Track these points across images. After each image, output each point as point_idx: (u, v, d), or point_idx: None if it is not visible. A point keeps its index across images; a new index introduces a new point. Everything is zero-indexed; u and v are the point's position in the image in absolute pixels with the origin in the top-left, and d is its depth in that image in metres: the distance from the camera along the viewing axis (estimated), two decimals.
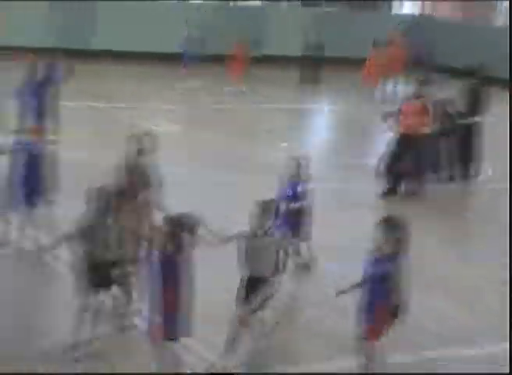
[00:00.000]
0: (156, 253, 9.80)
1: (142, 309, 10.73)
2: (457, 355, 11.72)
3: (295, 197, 13.68)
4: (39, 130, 15.98)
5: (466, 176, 20.58)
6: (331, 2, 40.21)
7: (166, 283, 9.61)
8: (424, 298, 13.10)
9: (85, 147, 19.74)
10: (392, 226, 10.11)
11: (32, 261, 13.12)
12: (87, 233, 10.60)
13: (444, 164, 20.15)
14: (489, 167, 21.32)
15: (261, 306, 10.84)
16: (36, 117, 17.41)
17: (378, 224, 10.08)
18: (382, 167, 19.13)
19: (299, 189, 13.74)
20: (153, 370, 10.05)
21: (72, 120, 21.20)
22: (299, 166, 13.73)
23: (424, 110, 18.70)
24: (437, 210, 18.87)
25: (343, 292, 10.08)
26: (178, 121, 25.26)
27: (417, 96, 18.86)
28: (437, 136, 19.80)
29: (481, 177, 20.87)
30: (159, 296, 9.67)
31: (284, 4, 37.86)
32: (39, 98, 17.73)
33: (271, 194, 12.74)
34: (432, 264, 15.21)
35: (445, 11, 39.50)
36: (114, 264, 10.66)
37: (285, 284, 12.57)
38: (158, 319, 9.65)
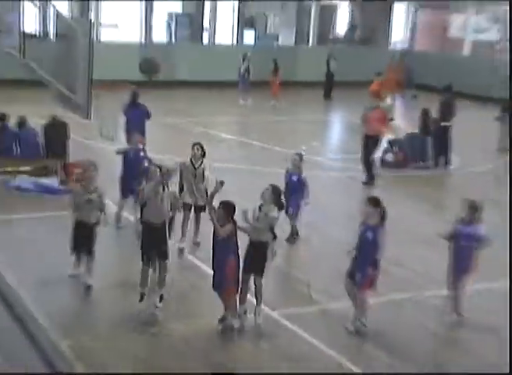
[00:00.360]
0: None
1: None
2: (441, 292, 12.35)
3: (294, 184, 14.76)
4: (141, 140, 17.42)
5: (443, 163, 22.31)
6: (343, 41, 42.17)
7: (228, 254, 10.72)
8: (412, 249, 14.97)
9: (168, 150, 20.38)
10: (375, 203, 11.37)
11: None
12: (144, 204, 11.68)
13: (429, 155, 22.03)
14: (457, 157, 22.73)
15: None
16: (137, 130, 17.78)
17: (365, 202, 11.53)
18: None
19: (295, 178, 14.84)
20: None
21: (161, 132, 23.15)
22: (298, 160, 15.00)
23: (383, 118, 20.24)
24: (425, 186, 20.52)
25: (349, 252, 11.15)
26: (234, 129, 26.71)
27: (376, 107, 20.40)
28: (424, 135, 22.02)
29: (452, 165, 22.46)
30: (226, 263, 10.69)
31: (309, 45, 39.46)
32: (140, 117, 18.90)
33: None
34: (418, 224, 16.69)
35: (425, 45, 40.96)
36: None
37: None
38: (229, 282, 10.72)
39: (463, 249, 11.64)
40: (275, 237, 11.33)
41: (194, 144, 14.30)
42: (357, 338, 10.98)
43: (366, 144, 20.13)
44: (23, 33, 11.05)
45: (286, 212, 14.09)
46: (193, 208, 14.27)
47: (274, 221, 11.24)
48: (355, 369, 10.16)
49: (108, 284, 12.38)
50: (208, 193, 12.81)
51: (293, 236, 15.00)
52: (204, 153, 14.24)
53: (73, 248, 12.15)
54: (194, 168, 14.21)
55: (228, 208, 10.68)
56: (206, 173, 14.17)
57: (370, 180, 19.98)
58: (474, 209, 11.96)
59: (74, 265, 12.34)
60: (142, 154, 15.58)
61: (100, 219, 12.15)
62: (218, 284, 10.82)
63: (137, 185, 13.20)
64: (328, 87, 34.03)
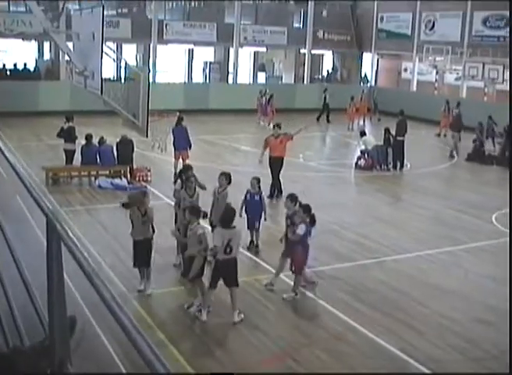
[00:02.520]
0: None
1: None
2: (401, 257, 12.88)
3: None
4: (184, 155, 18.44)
5: (399, 167, 21.93)
6: (327, 80, 41.80)
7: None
8: (377, 227, 14.94)
9: (204, 158, 20.67)
10: (294, 200, 10.78)
11: None
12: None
13: (389, 161, 21.87)
14: (409, 163, 22.37)
15: None
16: (181, 145, 18.65)
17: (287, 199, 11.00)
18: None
19: (257, 198, 12.54)
20: None
21: (199, 145, 22.33)
22: (256, 183, 12.60)
23: (282, 143, 17.10)
24: (387, 183, 20.27)
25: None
26: (252, 144, 25.84)
27: (277, 135, 17.10)
28: (386, 147, 21.85)
29: (405, 168, 22.14)
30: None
31: (304, 83, 39.71)
32: (183, 135, 18.80)
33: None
34: (382, 209, 16.68)
35: (385, 83, 40.75)
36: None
37: None
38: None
39: None
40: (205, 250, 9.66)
41: (221, 175, 12.21)
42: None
43: (272, 164, 17.19)
44: (102, 77, 11.13)
45: (248, 227, 12.65)
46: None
47: (201, 237, 9.64)
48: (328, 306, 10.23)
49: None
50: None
51: (256, 247, 12.88)
52: (230, 181, 12.13)
53: (134, 264, 10.59)
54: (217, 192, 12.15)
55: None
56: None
57: (279, 193, 16.81)
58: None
59: (140, 281, 10.60)
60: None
61: (152, 236, 10.60)
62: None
63: None
64: (325, 112, 33.43)
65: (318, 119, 32.95)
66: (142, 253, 10.47)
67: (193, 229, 9.62)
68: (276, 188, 16.99)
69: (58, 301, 2.95)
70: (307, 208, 10.54)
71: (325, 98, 33.75)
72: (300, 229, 10.31)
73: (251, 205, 12.58)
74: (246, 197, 12.58)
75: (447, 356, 8.92)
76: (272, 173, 17.11)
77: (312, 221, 10.52)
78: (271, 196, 16.55)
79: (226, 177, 11.99)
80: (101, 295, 2.29)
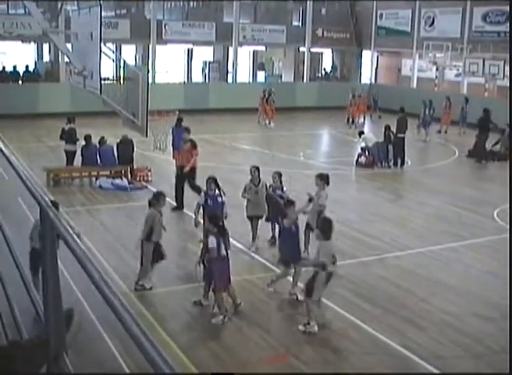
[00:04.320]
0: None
1: None
2: (402, 254, 12.94)
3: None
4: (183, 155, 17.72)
5: (400, 164, 21.91)
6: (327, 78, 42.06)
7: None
8: (378, 224, 14.97)
9: (204, 159, 20.25)
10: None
11: None
12: None
13: (390, 158, 21.90)
14: (409, 159, 22.45)
15: None
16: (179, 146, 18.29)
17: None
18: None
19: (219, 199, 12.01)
20: None
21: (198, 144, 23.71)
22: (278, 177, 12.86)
23: (190, 152, 15.54)
24: (388, 180, 20.29)
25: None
26: (252, 142, 26.28)
27: (186, 141, 15.80)
28: (387, 144, 21.86)
29: (406, 165, 22.08)
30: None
31: (304, 81, 39.84)
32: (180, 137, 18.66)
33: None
34: (383, 206, 16.74)
35: (385, 80, 40.85)
36: None
37: None
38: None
39: None
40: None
41: (252, 168, 12.88)
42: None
43: (178, 174, 16.03)
44: (101, 77, 11.16)
45: (271, 221, 12.92)
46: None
47: None
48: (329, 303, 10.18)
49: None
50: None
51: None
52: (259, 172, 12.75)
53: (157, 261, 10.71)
54: (255, 186, 12.81)
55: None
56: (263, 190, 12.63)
57: (179, 206, 15.64)
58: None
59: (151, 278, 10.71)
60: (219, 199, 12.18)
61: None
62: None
63: None
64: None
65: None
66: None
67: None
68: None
69: (52, 292, 2.93)
70: (213, 219, 9.74)
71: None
72: (210, 242, 9.42)
73: (273, 198, 12.51)
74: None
75: (449, 352, 8.94)
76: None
77: (221, 232, 9.54)
78: None
79: (255, 170, 12.75)
80: (97, 286, 2.29)
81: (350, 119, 31.83)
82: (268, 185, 12.87)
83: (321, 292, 9.32)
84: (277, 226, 11.85)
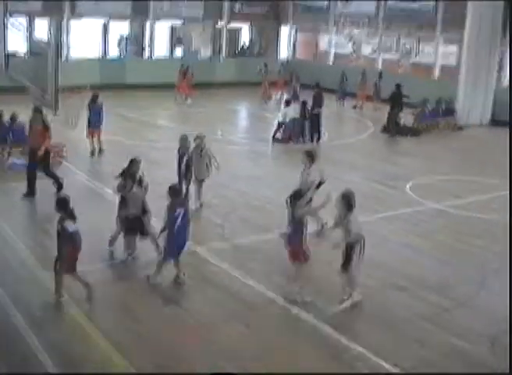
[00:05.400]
0: None
1: None
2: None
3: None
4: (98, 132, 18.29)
5: (316, 139, 22.10)
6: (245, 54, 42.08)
7: None
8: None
9: (119, 133, 20.69)
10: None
11: None
12: None
13: (306, 133, 22.17)
14: (325, 135, 22.75)
15: None
16: (96, 122, 18.43)
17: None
18: None
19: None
20: None
21: (115, 121, 21.93)
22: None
23: (44, 131, 14.14)
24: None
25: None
26: (170, 119, 26.24)
27: (33, 120, 14.31)
28: (303, 119, 22.07)
29: (322, 139, 22.33)
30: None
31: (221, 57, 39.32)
32: (98, 112, 18.53)
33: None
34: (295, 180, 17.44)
35: (303, 56, 41.05)
36: None
37: None
38: None
39: None
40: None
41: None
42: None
43: (30, 159, 14.56)
44: (7, 52, 10.77)
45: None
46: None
47: None
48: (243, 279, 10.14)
49: None
50: None
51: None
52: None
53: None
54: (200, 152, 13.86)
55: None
56: None
57: (31, 192, 14.36)
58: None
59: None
60: None
61: None
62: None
63: None
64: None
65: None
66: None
67: None
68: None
69: None
70: (60, 204, 9.22)
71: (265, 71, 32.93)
72: (70, 227, 9.10)
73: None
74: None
75: (358, 322, 9.33)
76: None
77: (72, 216, 9.13)
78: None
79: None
80: None
81: (265, 97, 31.69)
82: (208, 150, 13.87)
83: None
84: None
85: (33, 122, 14.18)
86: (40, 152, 13.71)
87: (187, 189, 13.63)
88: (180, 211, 9.77)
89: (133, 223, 10.68)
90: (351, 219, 9.39)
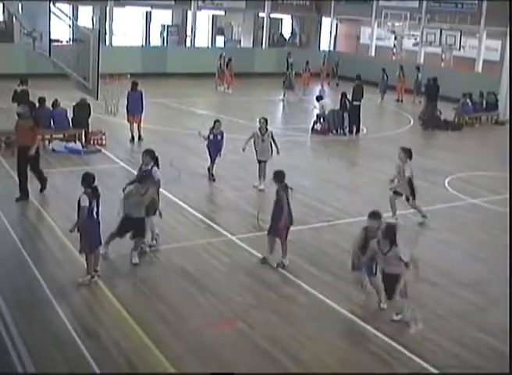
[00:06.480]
0: None
1: None
2: (355, 220, 12.59)
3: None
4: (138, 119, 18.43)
5: (355, 131, 22.03)
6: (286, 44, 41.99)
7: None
8: (332, 191, 15.12)
9: (159, 122, 20.91)
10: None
11: None
12: None
13: (346, 125, 22.00)
14: (364, 127, 22.61)
15: None
16: (135, 109, 18.54)
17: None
18: None
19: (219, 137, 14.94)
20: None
21: (155, 109, 22.38)
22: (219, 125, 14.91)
23: (33, 128, 13.27)
24: (343, 147, 20.51)
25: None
26: (209, 108, 26.18)
27: (24, 117, 13.64)
28: (342, 111, 21.92)
29: (361, 132, 22.25)
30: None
31: (263, 47, 39.44)
32: (138, 99, 18.60)
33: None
34: (337, 174, 16.84)
35: (344, 48, 40.80)
36: None
37: None
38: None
39: None
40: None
41: (260, 118, 14.95)
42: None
43: (19, 156, 13.49)
44: (50, 39, 10.92)
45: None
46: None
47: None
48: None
49: None
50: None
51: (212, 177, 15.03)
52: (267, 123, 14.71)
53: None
54: (262, 134, 14.84)
55: None
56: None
57: (23, 196, 13.24)
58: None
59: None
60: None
61: None
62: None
63: None
64: (289, 77, 31.36)
65: (284, 83, 31.91)
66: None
67: None
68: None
69: None
70: (86, 179, 9.41)
71: (287, 61, 33.10)
72: (83, 200, 9.28)
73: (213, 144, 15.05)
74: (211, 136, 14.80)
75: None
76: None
77: (94, 194, 9.38)
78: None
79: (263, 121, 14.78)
80: None
81: (304, 88, 31.45)
82: (272, 133, 14.98)
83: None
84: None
85: (21, 120, 13.63)
86: (31, 152, 13.08)
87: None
88: None
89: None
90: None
